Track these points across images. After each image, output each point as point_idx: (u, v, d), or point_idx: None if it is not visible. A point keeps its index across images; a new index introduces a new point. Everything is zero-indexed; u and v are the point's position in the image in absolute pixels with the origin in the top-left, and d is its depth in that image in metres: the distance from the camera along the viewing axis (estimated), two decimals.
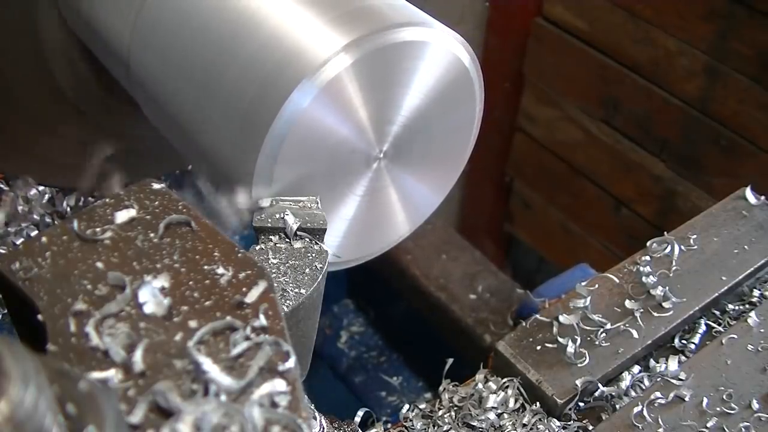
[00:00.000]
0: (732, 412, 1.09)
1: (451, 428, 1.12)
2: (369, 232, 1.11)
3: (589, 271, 1.80)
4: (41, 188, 1.57)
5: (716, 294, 1.24)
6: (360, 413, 1.22)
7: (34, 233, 1.52)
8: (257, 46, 0.95)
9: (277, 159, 0.93)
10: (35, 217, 1.55)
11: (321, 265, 0.93)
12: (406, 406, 1.18)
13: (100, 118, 1.40)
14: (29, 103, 1.35)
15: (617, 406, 1.13)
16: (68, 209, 1.58)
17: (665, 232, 1.33)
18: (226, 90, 0.97)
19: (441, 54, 0.98)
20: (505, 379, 1.16)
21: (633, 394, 1.15)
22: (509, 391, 1.15)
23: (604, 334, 1.17)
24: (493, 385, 1.16)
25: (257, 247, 0.95)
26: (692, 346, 1.21)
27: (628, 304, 1.21)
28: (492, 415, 1.12)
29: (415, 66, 0.97)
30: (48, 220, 1.56)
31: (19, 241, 1.49)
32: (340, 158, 0.99)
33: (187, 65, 1.02)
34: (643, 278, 1.24)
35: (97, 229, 0.78)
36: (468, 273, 2.17)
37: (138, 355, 0.67)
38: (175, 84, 1.05)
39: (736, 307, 1.27)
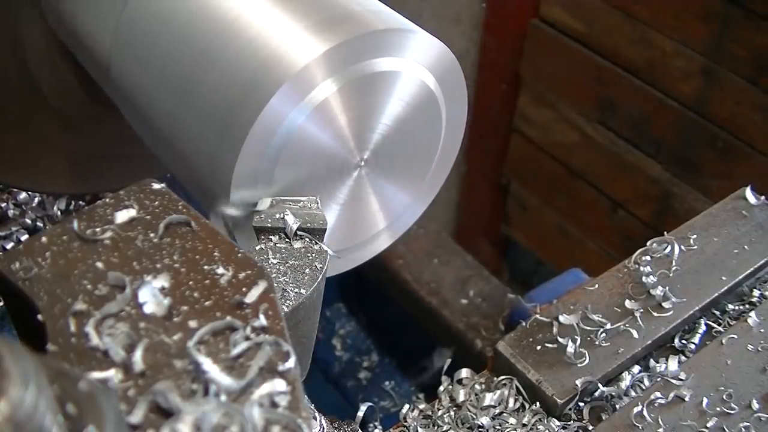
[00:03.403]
0: (732, 412, 1.09)
1: (450, 428, 1.12)
2: (350, 240, 1.11)
3: (582, 276, 1.80)
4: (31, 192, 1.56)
5: (716, 294, 1.23)
6: (362, 409, 1.21)
7: (24, 237, 1.51)
8: (237, 52, 0.95)
9: (274, 167, 0.95)
10: (27, 221, 1.55)
11: (321, 265, 0.92)
12: (406, 406, 1.18)
13: (85, 123, 1.39)
14: (11, 108, 1.34)
15: (617, 406, 1.13)
16: (59, 213, 1.58)
17: (665, 233, 1.33)
18: (204, 96, 0.97)
19: (410, 81, 1.01)
20: (503, 377, 1.16)
21: (633, 394, 1.15)
22: (508, 391, 1.14)
23: (604, 334, 1.17)
24: (492, 386, 1.16)
25: (257, 247, 0.94)
26: (692, 346, 1.21)
27: (628, 304, 1.21)
28: (491, 415, 1.12)
29: (389, 90, 1.00)
30: (39, 224, 1.56)
31: (9, 246, 1.49)
32: (322, 166, 1.00)
33: (167, 70, 1.02)
34: (643, 278, 1.23)
35: (97, 229, 0.78)
36: (459, 278, 2.17)
37: (138, 355, 0.66)
38: (155, 89, 1.05)
39: (736, 307, 1.27)
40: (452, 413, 1.14)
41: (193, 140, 1.00)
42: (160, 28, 1.03)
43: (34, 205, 1.57)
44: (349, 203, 1.07)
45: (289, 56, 0.91)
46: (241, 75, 0.93)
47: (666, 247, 1.29)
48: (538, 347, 1.16)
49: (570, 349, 1.14)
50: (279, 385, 0.66)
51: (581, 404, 1.13)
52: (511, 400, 1.14)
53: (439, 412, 1.15)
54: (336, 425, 1.13)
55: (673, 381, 1.13)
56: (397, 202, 1.14)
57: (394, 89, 1.00)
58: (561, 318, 1.19)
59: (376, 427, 1.32)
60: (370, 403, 1.23)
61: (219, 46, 0.97)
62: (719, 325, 1.25)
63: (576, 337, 1.16)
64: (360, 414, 1.19)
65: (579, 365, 1.14)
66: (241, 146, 0.91)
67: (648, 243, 1.30)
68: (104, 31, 1.10)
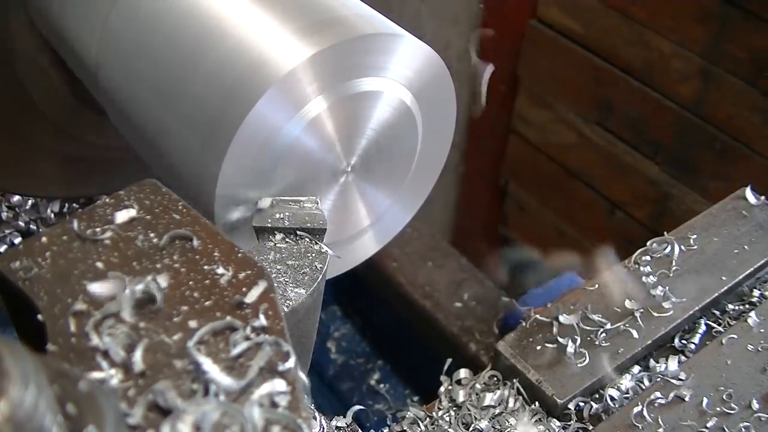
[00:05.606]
0: (732, 412, 1.09)
1: (450, 428, 1.12)
2: (336, 237, 1.12)
3: (577, 279, 1.80)
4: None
5: (716, 294, 1.23)
6: (351, 411, 1.21)
7: (18, 240, 1.51)
8: (222, 56, 0.95)
9: (269, 173, 0.96)
10: (20, 223, 1.54)
11: (321, 265, 0.92)
12: (407, 407, 1.18)
13: (76, 128, 1.38)
14: (1, 114, 1.33)
15: (617, 406, 1.13)
16: (52, 215, 1.57)
17: (665, 234, 1.33)
18: (190, 100, 0.96)
19: (390, 98, 1.03)
20: (499, 376, 1.16)
21: (633, 394, 1.15)
22: (508, 391, 1.14)
23: (604, 334, 1.17)
24: (492, 386, 1.16)
25: (257, 247, 0.94)
26: (692, 346, 1.21)
27: (628, 304, 1.21)
28: (491, 415, 1.12)
29: (372, 106, 1.02)
30: (33, 226, 1.55)
31: (2, 248, 1.49)
32: (313, 172, 1.01)
33: (152, 75, 1.01)
34: (643, 278, 1.23)
35: (97, 229, 0.77)
36: (454, 280, 2.16)
37: (138, 355, 0.66)
38: (141, 94, 1.04)
39: (736, 307, 1.27)
40: (452, 413, 1.14)
41: (179, 145, 0.99)
42: (145, 32, 1.03)
43: (27, 207, 1.57)
44: (336, 203, 1.08)
45: (275, 60, 0.91)
46: (226, 79, 0.93)
47: (666, 247, 1.29)
48: (538, 347, 1.16)
49: (570, 349, 1.14)
50: (279, 385, 0.66)
51: (581, 404, 1.13)
52: (511, 400, 1.14)
53: (440, 412, 1.15)
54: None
55: (673, 381, 1.13)
56: (379, 203, 1.15)
57: (376, 105, 1.02)
58: (561, 318, 1.18)
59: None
60: (362, 406, 1.23)
61: (204, 50, 0.96)
62: (719, 325, 1.25)
63: (576, 337, 1.16)
64: (349, 417, 1.18)
65: (579, 365, 1.14)
66: (226, 151, 0.91)
67: (648, 243, 1.30)
68: (91, 35, 1.10)
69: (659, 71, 2.45)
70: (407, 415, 1.16)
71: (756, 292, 1.29)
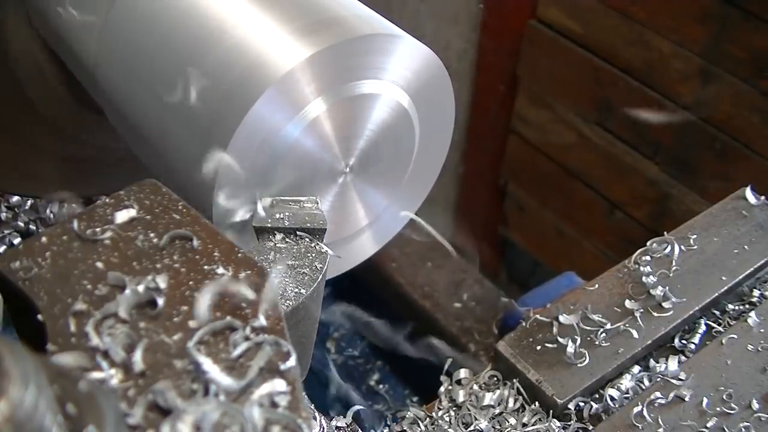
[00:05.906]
0: (732, 412, 1.09)
1: (450, 428, 1.12)
2: (334, 236, 1.12)
3: (576, 280, 1.80)
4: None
5: (716, 294, 1.23)
6: (351, 411, 1.21)
7: (17, 240, 1.51)
8: (221, 57, 0.94)
9: (265, 175, 0.95)
10: (19, 224, 1.54)
11: (321, 265, 0.92)
12: (407, 407, 1.18)
13: (75, 128, 1.38)
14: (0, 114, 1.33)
15: (617, 406, 1.13)
16: (52, 216, 1.57)
17: (665, 233, 1.32)
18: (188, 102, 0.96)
19: (388, 100, 1.03)
20: (499, 376, 1.16)
21: (633, 394, 1.15)
22: (508, 391, 1.14)
23: (604, 334, 1.17)
24: (492, 386, 1.16)
25: (257, 247, 0.94)
26: (692, 346, 1.21)
27: (628, 304, 1.21)
28: (491, 415, 1.12)
29: (370, 108, 1.02)
30: (32, 227, 1.55)
31: (2, 248, 1.49)
32: (312, 172, 1.01)
33: (151, 75, 1.01)
34: (643, 278, 1.23)
35: (97, 229, 0.77)
36: (453, 281, 2.16)
37: (138, 355, 0.66)
38: (139, 95, 1.04)
39: (736, 307, 1.27)
40: (452, 413, 1.14)
41: (178, 147, 0.99)
42: (144, 32, 1.03)
43: (26, 208, 1.56)
44: (334, 203, 1.08)
45: (273, 61, 0.91)
46: (224, 80, 0.93)
47: (666, 247, 1.29)
48: (538, 347, 1.16)
49: (570, 349, 1.14)
50: (279, 385, 0.66)
51: (581, 404, 1.13)
52: (511, 400, 1.14)
53: (440, 413, 1.15)
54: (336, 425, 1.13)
55: (673, 381, 1.13)
56: (377, 203, 1.15)
57: (374, 107, 1.02)
58: (561, 318, 1.18)
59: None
60: (361, 407, 1.23)
61: (203, 51, 0.96)
62: (719, 325, 1.25)
63: (576, 337, 1.16)
64: (349, 417, 1.18)
65: (579, 365, 1.14)
66: (225, 152, 0.91)
67: (648, 243, 1.30)
68: (89, 35, 1.10)
69: (659, 71, 2.45)
70: (407, 415, 1.16)
71: (756, 292, 1.29)
